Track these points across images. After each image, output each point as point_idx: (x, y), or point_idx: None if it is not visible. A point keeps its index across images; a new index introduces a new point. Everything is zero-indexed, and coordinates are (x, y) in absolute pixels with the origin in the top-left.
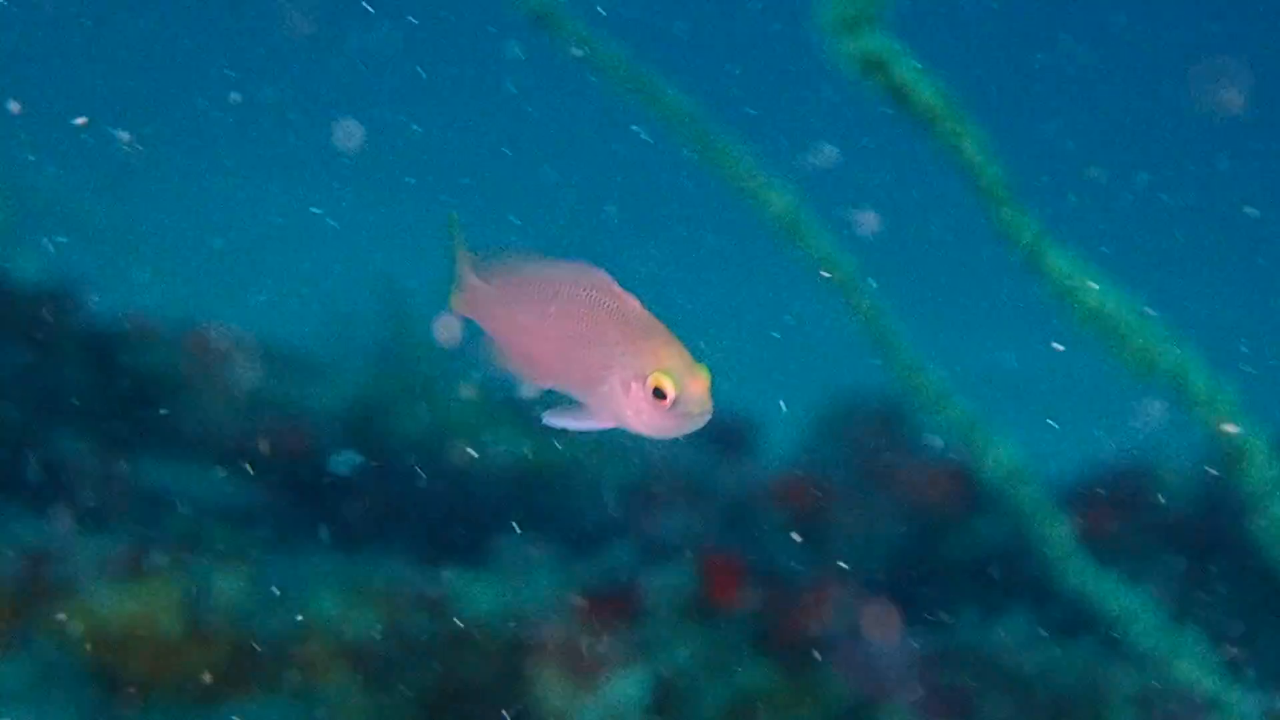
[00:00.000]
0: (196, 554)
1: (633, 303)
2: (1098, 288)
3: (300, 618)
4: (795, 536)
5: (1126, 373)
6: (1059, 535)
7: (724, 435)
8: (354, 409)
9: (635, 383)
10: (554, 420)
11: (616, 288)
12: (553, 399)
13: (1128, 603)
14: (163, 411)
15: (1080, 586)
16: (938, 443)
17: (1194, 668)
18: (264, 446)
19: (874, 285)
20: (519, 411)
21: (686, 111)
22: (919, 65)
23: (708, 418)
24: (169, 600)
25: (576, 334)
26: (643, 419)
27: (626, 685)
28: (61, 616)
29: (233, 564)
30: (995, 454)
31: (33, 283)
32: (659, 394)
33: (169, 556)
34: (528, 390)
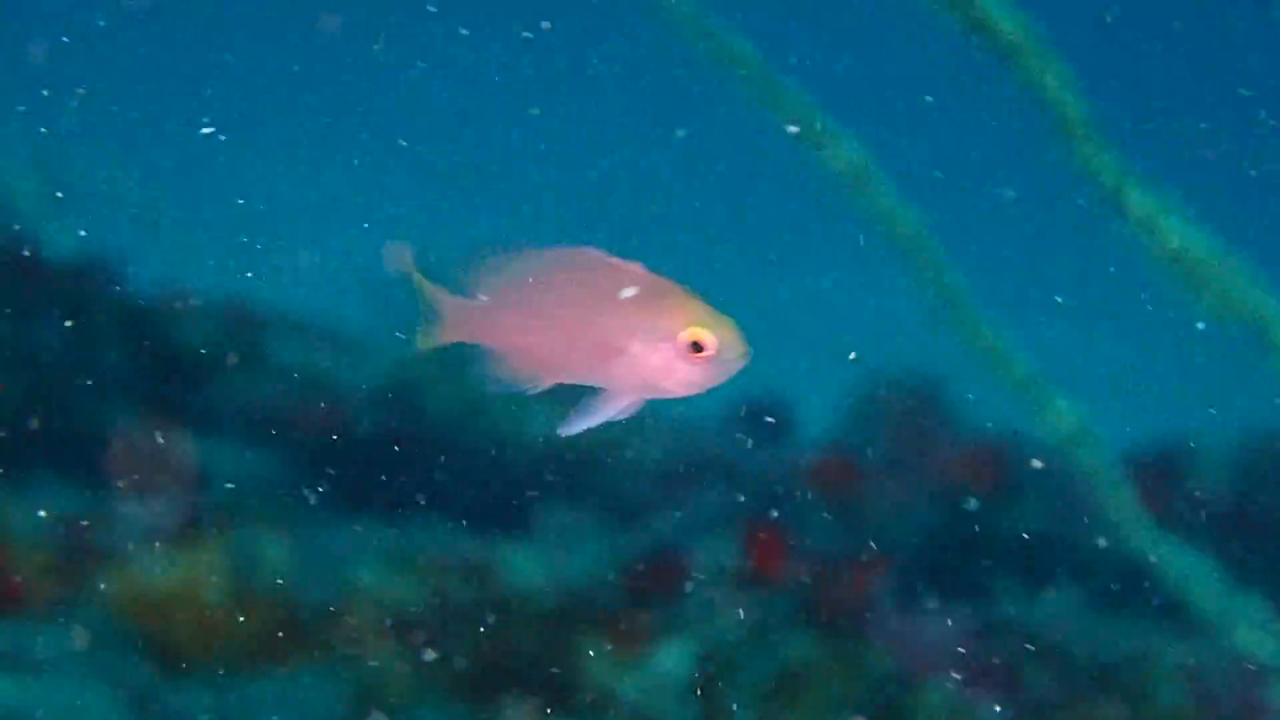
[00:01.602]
0: (241, 523)
1: (635, 268)
2: (1180, 228)
3: (345, 586)
4: (830, 515)
5: (1208, 315)
6: (1120, 498)
7: (760, 414)
8: (392, 382)
9: (665, 344)
10: (571, 429)
11: (613, 259)
12: (558, 399)
13: (1188, 567)
14: (202, 385)
15: (1140, 551)
16: (983, 418)
17: (1254, 635)
18: (303, 420)
19: (941, 244)
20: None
21: (750, 55)
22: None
23: (747, 360)
24: (214, 568)
25: (582, 318)
26: (678, 377)
27: (671, 657)
28: (107, 584)
29: (277, 532)
30: (1057, 414)
31: (68, 258)
32: (696, 348)
33: (214, 525)
34: (536, 392)
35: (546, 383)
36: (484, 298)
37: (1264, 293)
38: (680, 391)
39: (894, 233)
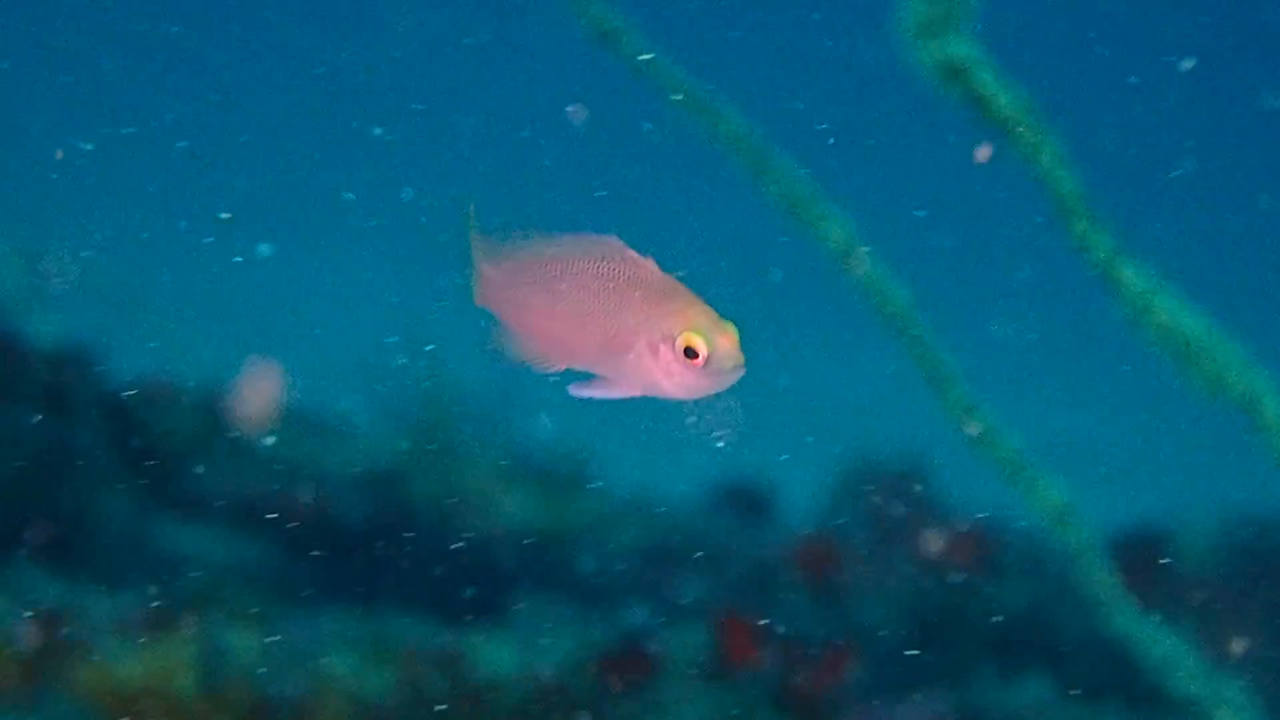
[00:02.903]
0: (212, 613)
1: (649, 265)
2: (1171, 305)
3: (316, 677)
4: (812, 599)
5: (1198, 393)
6: (1103, 578)
7: (743, 497)
8: (376, 470)
9: (664, 345)
10: (581, 391)
11: (630, 252)
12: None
13: (1169, 649)
14: (182, 472)
15: (1123, 631)
16: (967, 499)
17: (1235, 718)
18: (283, 508)
19: (928, 320)
20: (540, 475)
21: (743, 131)
22: (998, 73)
23: (741, 373)
24: (184, 659)
25: (595, 306)
26: (675, 381)
27: None
28: (76, 675)
29: (248, 623)
30: (1043, 493)
31: (50, 345)
32: (690, 353)
33: (184, 615)
34: (545, 372)
35: (558, 366)
36: (503, 269)
37: (1254, 373)
38: (678, 394)
39: (881, 310)
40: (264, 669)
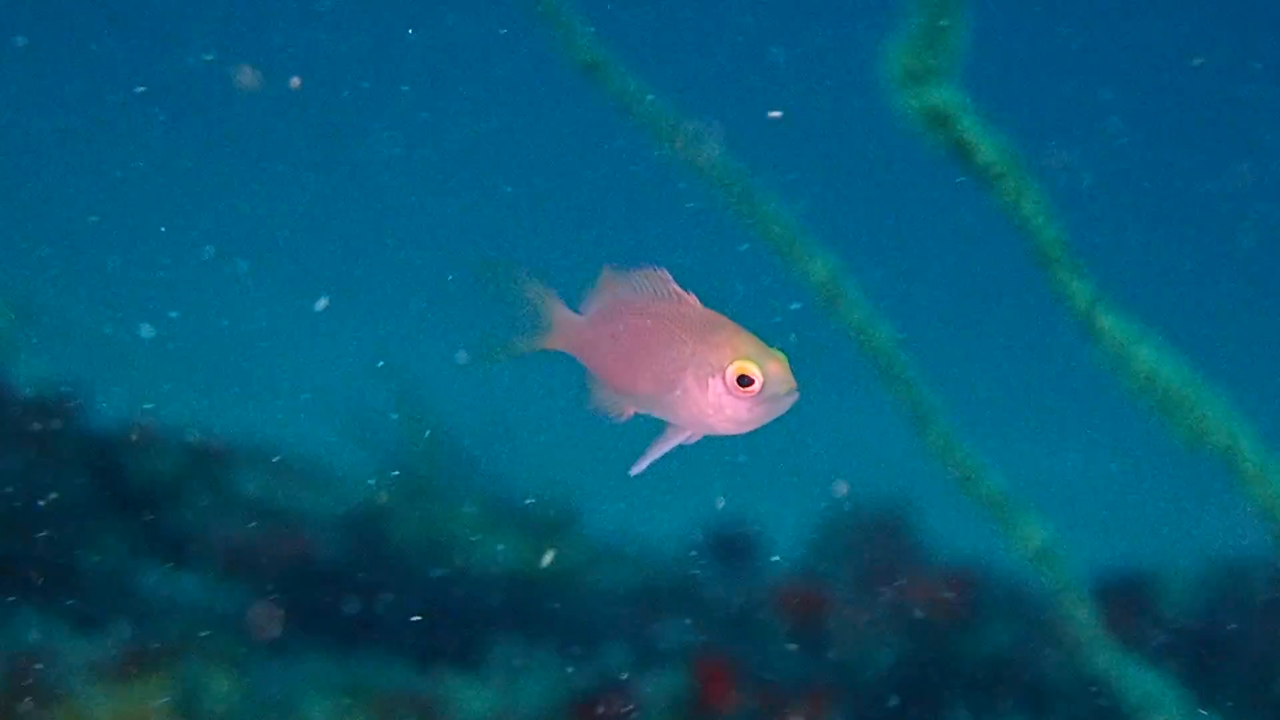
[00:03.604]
0: (189, 656)
1: (691, 300)
2: (1151, 355)
3: None
4: (792, 645)
5: (1178, 443)
6: (1085, 619)
7: (726, 540)
8: (356, 513)
9: (714, 379)
10: (640, 467)
11: (675, 287)
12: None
13: (1150, 691)
14: (161, 516)
15: (1104, 672)
16: (951, 542)
17: None
18: (261, 551)
19: (911, 360)
20: (522, 519)
21: (729, 168)
22: (982, 121)
23: (795, 398)
24: (159, 703)
25: (646, 345)
26: (726, 414)
27: None
28: (51, 717)
29: (224, 667)
30: (1026, 533)
31: (34, 391)
32: (744, 382)
33: (161, 659)
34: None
35: (626, 413)
36: (587, 315)
37: (1234, 422)
38: (729, 429)
39: (866, 351)
40: (240, 714)
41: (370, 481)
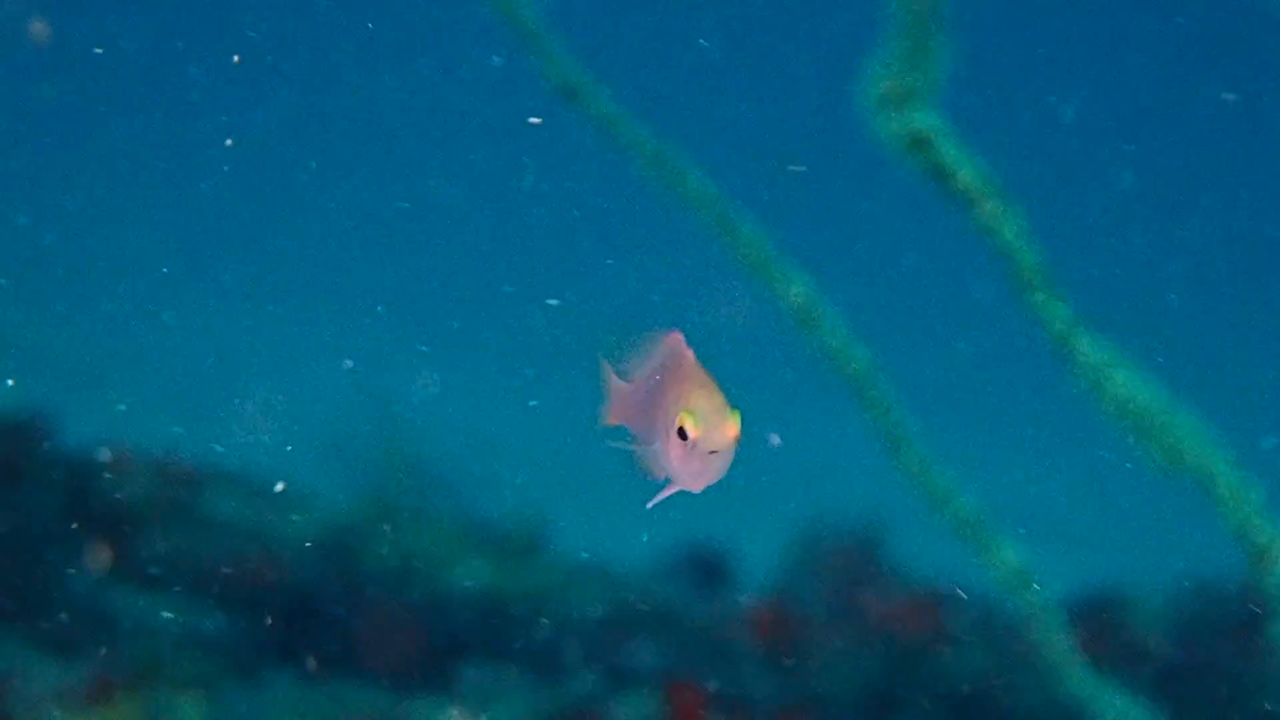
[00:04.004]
0: (160, 681)
1: (688, 357)
2: (1127, 379)
3: None
4: (765, 663)
5: (1154, 466)
6: (1059, 640)
7: (699, 563)
8: (329, 537)
9: (671, 428)
10: (654, 502)
11: (682, 347)
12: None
13: (1124, 713)
14: (132, 540)
15: (1078, 693)
16: (924, 564)
17: None
18: (233, 575)
19: (888, 384)
20: (495, 542)
21: (708, 192)
22: (962, 146)
23: (728, 458)
24: None
25: (658, 399)
26: (674, 464)
27: None
28: None
29: (193, 692)
30: (1000, 554)
31: (3, 414)
32: (682, 435)
33: (132, 684)
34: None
35: (660, 474)
36: (629, 383)
37: (1209, 446)
38: (690, 484)
39: (842, 373)
40: None
41: (342, 504)
